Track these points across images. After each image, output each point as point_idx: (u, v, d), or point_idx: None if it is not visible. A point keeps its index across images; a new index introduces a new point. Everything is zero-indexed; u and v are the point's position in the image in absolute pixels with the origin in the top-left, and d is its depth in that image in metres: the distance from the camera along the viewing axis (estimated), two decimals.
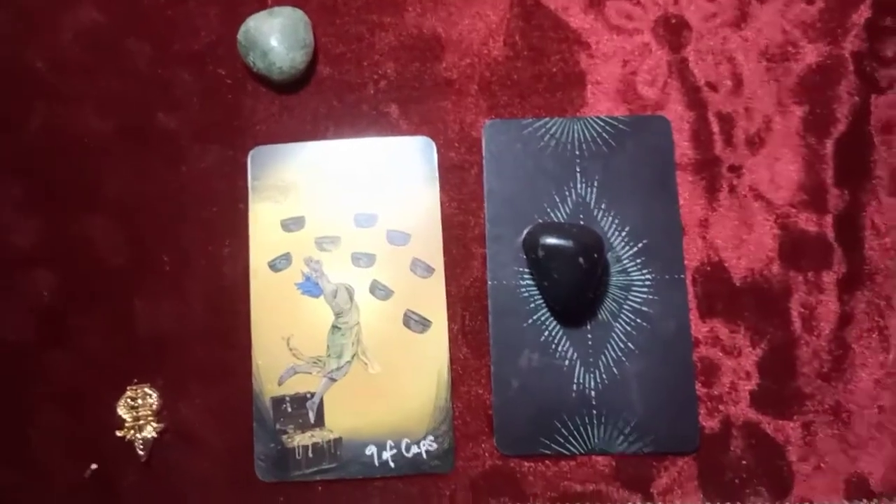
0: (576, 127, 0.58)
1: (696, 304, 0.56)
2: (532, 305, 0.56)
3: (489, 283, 0.56)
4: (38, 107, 0.60)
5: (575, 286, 0.54)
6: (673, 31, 0.60)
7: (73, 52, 0.61)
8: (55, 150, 0.59)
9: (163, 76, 0.60)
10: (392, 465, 0.55)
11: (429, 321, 0.56)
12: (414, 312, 0.56)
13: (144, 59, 0.60)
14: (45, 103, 0.60)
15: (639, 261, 0.56)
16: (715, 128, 0.58)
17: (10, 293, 0.57)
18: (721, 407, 0.54)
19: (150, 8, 0.61)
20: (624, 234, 0.56)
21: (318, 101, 0.59)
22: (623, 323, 0.55)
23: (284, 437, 0.55)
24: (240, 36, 0.58)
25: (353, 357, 0.56)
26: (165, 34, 0.60)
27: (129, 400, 0.56)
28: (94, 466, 0.56)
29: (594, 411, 0.54)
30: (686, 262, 0.56)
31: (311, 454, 0.55)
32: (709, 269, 0.56)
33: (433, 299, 0.56)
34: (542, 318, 0.56)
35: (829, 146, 0.57)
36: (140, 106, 0.60)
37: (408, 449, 0.55)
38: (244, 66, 0.59)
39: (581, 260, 0.53)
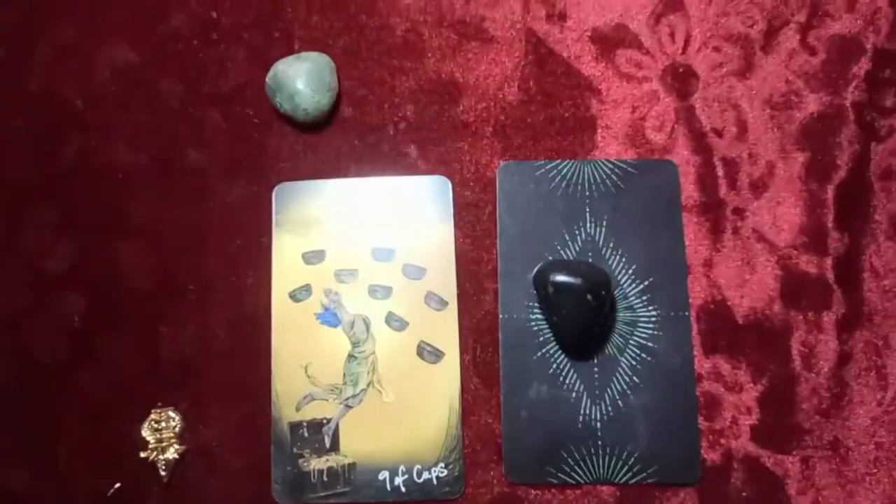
0: (586, 169, 0.64)
1: (699, 340, 0.61)
2: (541, 339, 0.61)
3: (500, 316, 0.62)
4: (73, 139, 0.66)
5: (583, 322, 0.59)
6: (680, 79, 0.66)
7: (108, 88, 0.67)
8: (89, 181, 0.65)
9: (193, 114, 0.66)
10: (403, 489, 0.60)
11: (442, 352, 0.62)
12: (427, 344, 0.62)
13: (176, 98, 0.67)
14: (81, 136, 0.66)
15: (645, 298, 0.61)
16: (720, 172, 0.64)
17: (43, 315, 0.63)
18: (722, 440, 0.59)
19: (183, 50, 0.68)
20: (631, 272, 0.62)
21: (340, 140, 0.66)
22: (629, 357, 0.61)
23: (301, 460, 0.60)
24: (268, 79, 0.65)
25: (368, 385, 0.61)
26: (197, 75, 0.67)
27: (153, 422, 0.61)
28: (118, 485, 0.61)
29: (600, 442, 0.59)
30: (690, 300, 0.61)
31: (325, 478, 0.60)
32: (712, 307, 0.61)
33: (446, 331, 0.62)
34: (551, 352, 0.61)
35: (830, 191, 0.63)
36: (171, 142, 0.66)
37: (419, 475, 0.60)
38: (271, 107, 0.65)
39: (589, 297, 0.58)
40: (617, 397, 0.60)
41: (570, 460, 0.59)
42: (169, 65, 0.68)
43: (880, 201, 0.63)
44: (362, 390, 0.61)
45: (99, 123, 0.67)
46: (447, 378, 0.61)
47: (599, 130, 0.65)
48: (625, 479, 0.59)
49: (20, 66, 0.68)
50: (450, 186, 0.64)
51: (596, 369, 0.60)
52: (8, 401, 0.62)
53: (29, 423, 0.62)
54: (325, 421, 0.61)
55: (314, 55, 0.65)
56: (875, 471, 0.58)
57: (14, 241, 0.65)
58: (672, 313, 0.61)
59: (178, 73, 0.68)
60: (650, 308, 0.61)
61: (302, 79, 0.64)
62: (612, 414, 0.60)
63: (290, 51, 0.67)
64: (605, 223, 0.63)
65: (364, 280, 0.63)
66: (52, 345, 0.63)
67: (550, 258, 0.62)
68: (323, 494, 0.60)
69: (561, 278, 0.58)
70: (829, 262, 0.62)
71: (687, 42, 0.66)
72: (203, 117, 0.67)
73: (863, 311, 0.61)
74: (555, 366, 0.61)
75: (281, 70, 0.64)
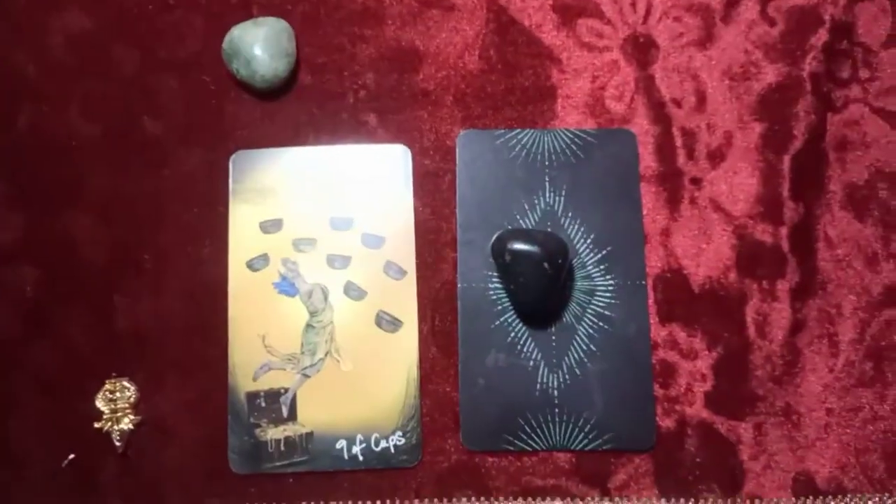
0: (546, 138, 0.64)
1: (655, 309, 0.62)
2: (499, 308, 0.61)
3: (459, 285, 0.62)
4: (25, 107, 0.65)
5: (540, 290, 0.59)
6: (641, 49, 0.66)
7: (61, 55, 0.66)
8: (41, 150, 0.64)
9: (149, 81, 0.65)
10: (361, 458, 0.60)
11: (400, 321, 0.62)
12: (386, 313, 0.62)
13: (131, 65, 0.66)
14: (33, 104, 0.65)
15: (602, 267, 0.62)
16: (678, 142, 0.64)
17: None
18: (677, 407, 0.60)
19: (138, 15, 0.67)
20: (589, 241, 0.62)
21: (299, 108, 0.65)
22: (586, 326, 0.61)
23: (258, 430, 0.60)
24: (224, 44, 0.64)
25: (326, 355, 0.61)
26: (152, 41, 0.66)
27: (107, 393, 0.61)
28: (71, 456, 0.60)
29: (556, 410, 0.60)
30: (647, 269, 0.62)
31: (283, 447, 0.60)
32: (669, 275, 0.62)
33: (405, 300, 0.62)
34: (509, 320, 0.61)
35: (786, 161, 0.64)
36: (126, 110, 0.65)
37: (377, 443, 0.60)
38: (228, 73, 0.64)
39: (546, 265, 0.58)
40: (574, 365, 0.60)
41: (527, 428, 0.60)
42: (124, 31, 0.67)
43: (835, 171, 0.64)
44: (320, 360, 0.61)
45: (51, 91, 0.65)
46: (405, 347, 0.61)
47: (560, 100, 0.65)
48: (581, 445, 0.59)
49: None
50: (409, 155, 0.64)
51: (553, 338, 0.61)
52: None
53: None
54: (282, 391, 0.61)
55: (272, 20, 0.65)
56: (825, 436, 0.60)
57: None
58: (629, 282, 0.62)
59: (133, 40, 0.66)
60: (608, 277, 0.62)
61: (259, 44, 0.63)
62: (569, 382, 0.60)
63: (247, 16, 0.66)
64: (564, 193, 0.63)
65: (322, 249, 0.63)
66: (4, 318, 0.62)
67: (509, 227, 0.62)
68: (280, 464, 0.60)
69: (518, 246, 0.59)
70: (783, 231, 0.62)
71: (648, 12, 0.66)
72: (159, 84, 0.66)
73: (816, 280, 0.62)
74: (513, 334, 0.61)
75: (237, 35, 0.64)
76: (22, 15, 0.67)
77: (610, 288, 0.62)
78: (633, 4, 0.66)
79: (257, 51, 0.63)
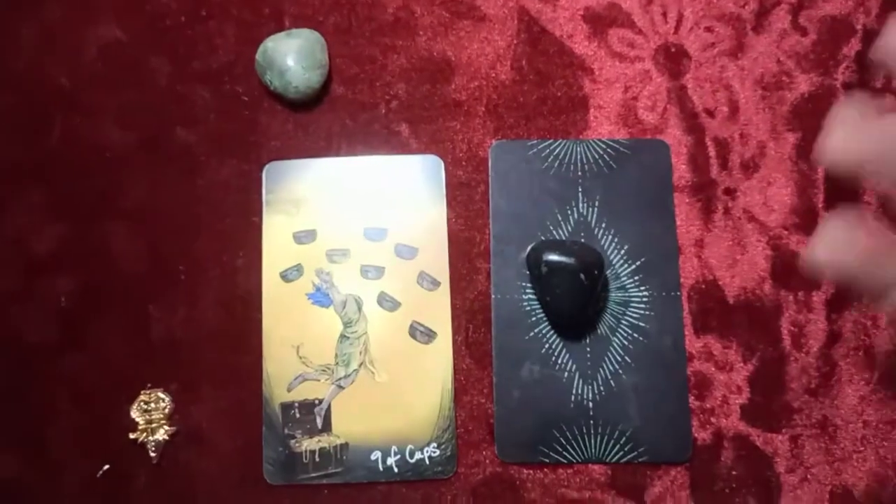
0: (578, 149, 0.63)
1: (690, 320, 0.61)
2: (534, 319, 0.61)
3: (493, 296, 0.61)
4: (59, 118, 0.65)
5: (575, 302, 0.59)
6: (673, 59, 0.65)
7: (95, 66, 0.66)
8: (76, 161, 0.64)
9: (182, 92, 0.65)
10: (396, 470, 0.59)
11: (434, 332, 0.61)
12: (420, 324, 0.61)
13: (164, 76, 0.66)
14: (67, 115, 0.65)
15: (637, 278, 0.61)
16: (711, 152, 0.64)
17: (30, 297, 0.62)
18: (713, 419, 0.59)
19: (171, 27, 0.66)
20: (623, 252, 0.62)
21: (331, 119, 0.65)
22: (621, 337, 0.60)
23: (292, 441, 0.60)
24: (258, 56, 0.64)
25: (360, 366, 0.61)
26: (185, 52, 0.66)
27: (142, 403, 0.61)
28: (106, 467, 0.60)
29: (591, 421, 0.59)
30: (682, 279, 0.61)
31: (317, 459, 0.60)
32: (703, 287, 0.61)
33: (439, 311, 0.61)
34: (544, 332, 0.61)
35: (821, 172, 0.63)
36: (159, 120, 0.65)
37: (411, 455, 0.59)
38: (261, 84, 0.64)
39: (582, 277, 0.58)
40: (609, 377, 0.60)
41: (562, 440, 0.59)
42: (157, 42, 0.66)
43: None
44: (354, 371, 0.60)
45: (85, 102, 0.65)
46: (439, 358, 0.61)
47: (592, 110, 0.64)
48: (616, 458, 0.59)
49: (5, 46, 0.66)
50: (442, 166, 0.64)
51: (588, 349, 0.60)
52: None
53: (17, 406, 0.61)
54: (316, 401, 0.60)
55: (305, 32, 0.64)
56: (862, 449, 0.59)
57: (0, 223, 0.63)
58: (664, 293, 0.61)
59: (166, 51, 0.66)
60: (642, 288, 0.61)
61: (292, 56, 0.63)
62: (603, 393, 0.60)
63: (280, 27, 0.66)
64: (597, 203, 0.62)
65: (356, 260, 0.62)
66: (41, 327, 0.62)
67: (543, 238, 0.62)
68: (315, 475, 0.59)
69: (554, 258, 0.58)
70: None
71: (679, 21, 0.66)
72: (192, 95, 0.65)
73: (851, 291, 0.61)
74: (547, 346, 0.60)
75: (271, 47, 0.63)
76: (57, 27, 0.67)
77: (644, 299, 0.61)
78: (664, 14, 0.66)
79: (291, 62, 0.62)
